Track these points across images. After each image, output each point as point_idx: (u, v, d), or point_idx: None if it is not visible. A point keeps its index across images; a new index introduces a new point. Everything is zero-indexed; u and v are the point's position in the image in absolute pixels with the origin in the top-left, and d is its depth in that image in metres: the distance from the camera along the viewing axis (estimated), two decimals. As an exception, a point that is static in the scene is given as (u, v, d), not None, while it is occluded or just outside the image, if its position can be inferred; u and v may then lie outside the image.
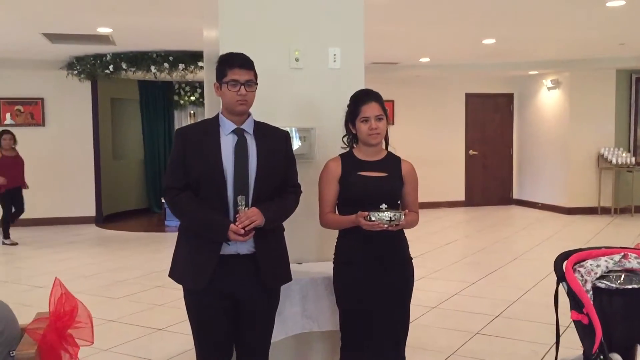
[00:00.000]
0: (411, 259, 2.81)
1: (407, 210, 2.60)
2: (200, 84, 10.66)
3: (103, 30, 7.43)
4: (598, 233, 9.06)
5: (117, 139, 11.40)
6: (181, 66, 8.98)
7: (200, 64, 8.69)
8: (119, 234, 9.50)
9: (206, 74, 4.18)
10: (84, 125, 10.24)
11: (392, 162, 2.77)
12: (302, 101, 3.28)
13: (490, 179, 12.47)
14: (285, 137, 2.69)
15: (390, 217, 2.48)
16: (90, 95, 10.29)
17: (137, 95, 11.20)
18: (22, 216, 9.33)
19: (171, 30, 7.40)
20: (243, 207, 2.43)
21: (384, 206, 2.52)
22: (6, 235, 8.51)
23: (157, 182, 11.15)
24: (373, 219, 2.49)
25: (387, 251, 2.70)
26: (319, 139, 3.27)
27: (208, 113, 3.76)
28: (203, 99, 5.47)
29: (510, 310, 5.12)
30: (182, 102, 11.44)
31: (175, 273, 2.64)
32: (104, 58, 9.16)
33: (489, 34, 7.98)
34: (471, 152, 12.34)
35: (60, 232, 9.56)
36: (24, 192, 8.65)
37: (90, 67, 9.35)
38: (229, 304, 2.56)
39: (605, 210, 10.84)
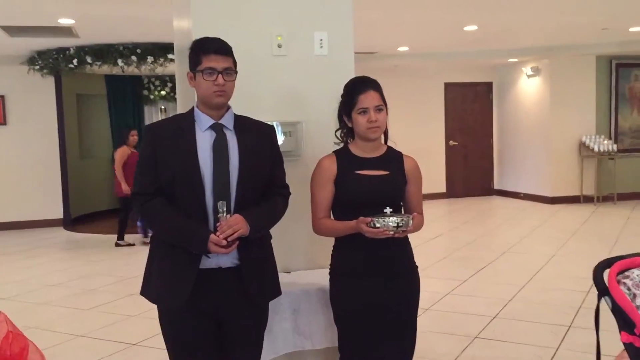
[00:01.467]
0: (417, 267, 2.50)
1: (414, 214, 2.27)
2: (171, 78, 10.27)
3: (65, 21, 6.99)
4: (584, 222, 8.90)
5: (84, 137, 11.00)
6: (150, 59, 8.57)
7: (170, 56, 8.33)
8: (88, 237, 9.08)
9: (177, 66, 3.84)
10: (48, 123, 9.81)
11: (394, 159, 2.45)
12: (287, 92, 2.98)
13: (471, 169, 12.29)
14: (270, 132, 2.40)
15: (397, 223, 2.15)
16: (54, 91, 9.85)
17: (104, 91, 10.79)
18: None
19: (138, 20, 7.01)
20: (224, 215, 2.13)
21: (388, 210, 2.20)
22: (121, 237, 8.19)
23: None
24: (378, 225, 2.16)
25: (392, 260, 2.39)
26: (306, 133, 2.98)
27: (181, 108, 3.43)
28: (174, 94, 5.13)
29: (507, 310, 4.87)
30: (152, 97, 11.09)
31: (149, 291, 2.32)
32: (67, 52, 8.72)
33: (472, 20, 7.72)
34: (451, 142, 12.14)
35: (25, 236, 9.10)
36: None
37: (53, 62, 8.91)
38: (211, 323, 2.27)
39: (587, 199, 10.73)
